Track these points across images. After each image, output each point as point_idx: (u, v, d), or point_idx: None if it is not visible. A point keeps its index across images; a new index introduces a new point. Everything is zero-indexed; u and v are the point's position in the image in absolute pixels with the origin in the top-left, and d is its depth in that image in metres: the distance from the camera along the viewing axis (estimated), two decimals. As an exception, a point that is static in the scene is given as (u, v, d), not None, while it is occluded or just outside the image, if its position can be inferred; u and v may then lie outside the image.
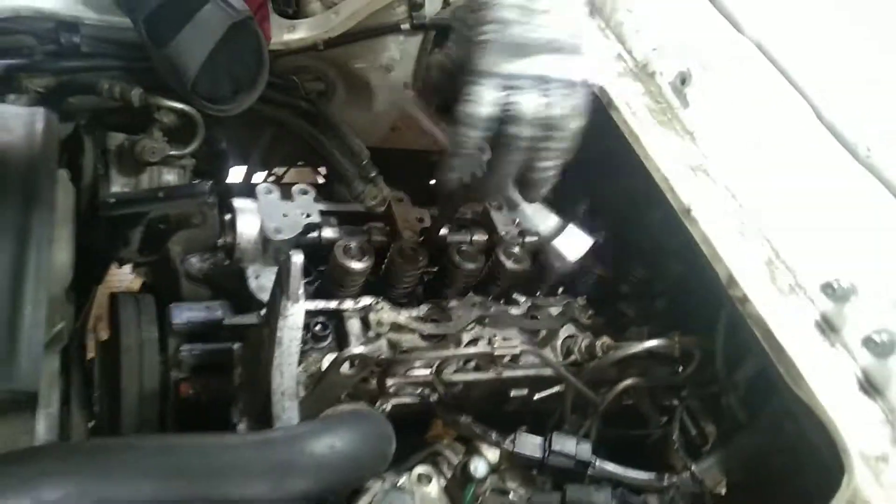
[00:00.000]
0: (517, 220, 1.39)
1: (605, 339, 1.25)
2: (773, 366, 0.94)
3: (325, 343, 1.16)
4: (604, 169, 1.35)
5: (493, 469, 1.07)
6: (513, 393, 1.25)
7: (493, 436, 1.09)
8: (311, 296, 1.17)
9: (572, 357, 1.27)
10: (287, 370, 0.96)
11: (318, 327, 1.15)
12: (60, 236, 1.08)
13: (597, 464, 1.07)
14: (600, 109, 1.24)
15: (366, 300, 1.20)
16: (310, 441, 0.82)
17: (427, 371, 1.16)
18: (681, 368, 1.23)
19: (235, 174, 1.86)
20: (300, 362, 1.05)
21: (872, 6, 1.21)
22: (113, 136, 1.52)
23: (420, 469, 1.03)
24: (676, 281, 1.36)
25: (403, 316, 1.20)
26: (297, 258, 0.94)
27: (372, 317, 1.17)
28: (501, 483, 1.08)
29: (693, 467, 1.08)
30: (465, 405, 1.18)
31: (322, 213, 1.28)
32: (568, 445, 1.05)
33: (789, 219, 1.04)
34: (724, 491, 1.13)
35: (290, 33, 1.57)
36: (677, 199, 1.09)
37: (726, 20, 1.22)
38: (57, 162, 1.08)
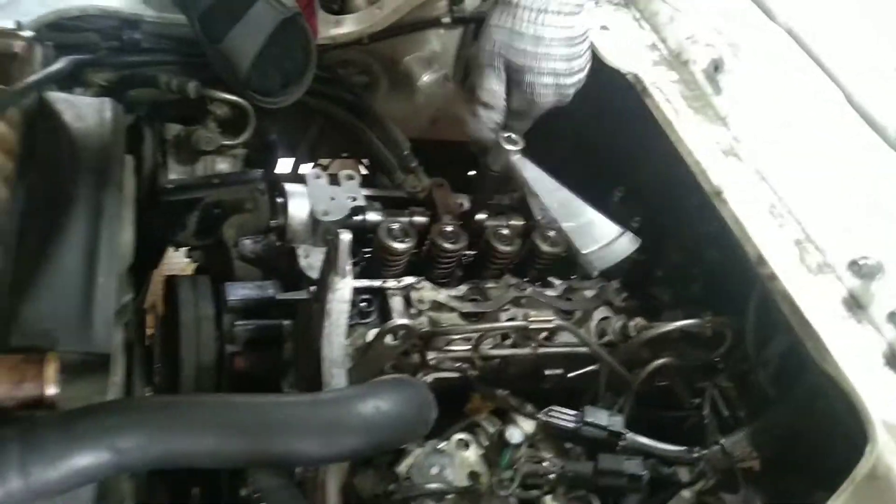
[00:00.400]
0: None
1: (639, 320, 1.29)
2: (800, 342, 0.97)
3: (369, 319, 1.22)
4: (638, 155, 1.39)
5: (529, 439, 1.11)
6: (548, 371, 1.30)
7: (529, 408, 1.14)
8: (356, 275, 1.23)
9: (606, 338, 1.31)
10: (336, 340, 1.02)
11: (363, 304, 1.22)
12: (125, 218, 1.17)
13: (629, 436, 1.10)
14: (634, 97, 1.28)
15: (408, 279, 1.26)
16: (358, 402, 0.89)
17: (466, 346, 1.21)
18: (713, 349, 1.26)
19: (283, 166, 1.94)
20: (347, 336, 1.12)
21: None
22: (170, 126, 1.61)
23: (459, 436, 1.09)
24: (710, 265, 1.38)
25: (443, 295, 1.26)
26: (346, 236, 1.00)
27: (414, 295, 1.24)
28: (536, 453, 1.13)
29: (723, 441, 1.12)
30: (501, 382, 1.23)
31: (367, 197, 1.35)
32: (601, 417, 1.09)
33: (819, 200, 1.07)
34: (756, 466, 1.16)
35: (337, 28, 1.63)
36: (709, 183, 1.12)
37: (758, 8, 1.25)
38: (124, 148, 1.16)
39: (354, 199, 1.31)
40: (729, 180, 1.10)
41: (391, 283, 1.26)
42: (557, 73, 1.16)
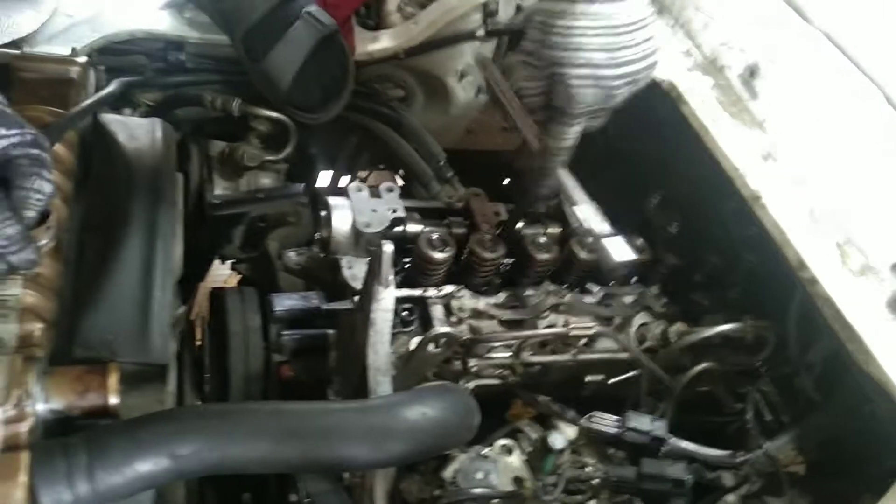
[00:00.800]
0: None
1: (679, 325, 1.30)
2: (843, 345, 0.97)
3: (411, 327, 1.25)
4: (675, 162, 1.39)
5: (571, 445, 1.13)
6: (588, 378, 1.31)
7: (571, 413, 1.15)
8: (397, 284, 1.26)
9: (646, 343, 1.32)
10: (380, 348, 1.05)
11: (404, 313, 1.24)
12: (176, 233, 1.21)
13: (671, 440, 1.11)
14: (670, 103, 1.29)
15: (448, 288, 1.28)
16: (404, 408, 0.91)
17: (506, 354, 1.23)
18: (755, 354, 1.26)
19: (322, 179, 1.98)
20: (390, 345, 1.14)
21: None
22: (214, 143, 1.67)
23: (503, 441, 1.11)
24: (749, 270, 1.38)
25: (483, 303, 1.28)
26: (388, 247, 1.03)
27: (454, 303, 1.26)
28: (578, 458, 1.14)
29: (766, 445, 1.11)
30: (541, 389, 1.25)
31: (406, 208, 1.38)
32: (643, 422, 1.10)
33: (860, 203, 1.06)
34: (801, 471, 1.15)
35: (373, 44, 1.67)
36: (747, 187, 1.13)
37: (793, 11, 1.25)
38: (175, 165, 1.21)
39: (395, 211, 1.34)
40: (767, 185, 1.11)
41: (431, 292, 1.28)
42: (594, 63, 1.07)
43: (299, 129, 1.64)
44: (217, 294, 1.45)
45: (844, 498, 1.08)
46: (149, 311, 0.99)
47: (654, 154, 1.31)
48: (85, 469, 0.77)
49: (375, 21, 1.77)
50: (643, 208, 1.48)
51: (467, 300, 1.27)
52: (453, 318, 1.26)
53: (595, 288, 1.40)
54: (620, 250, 1.16)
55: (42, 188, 0.86)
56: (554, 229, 1.43)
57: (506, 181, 1.97)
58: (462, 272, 1.33)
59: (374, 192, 1.37)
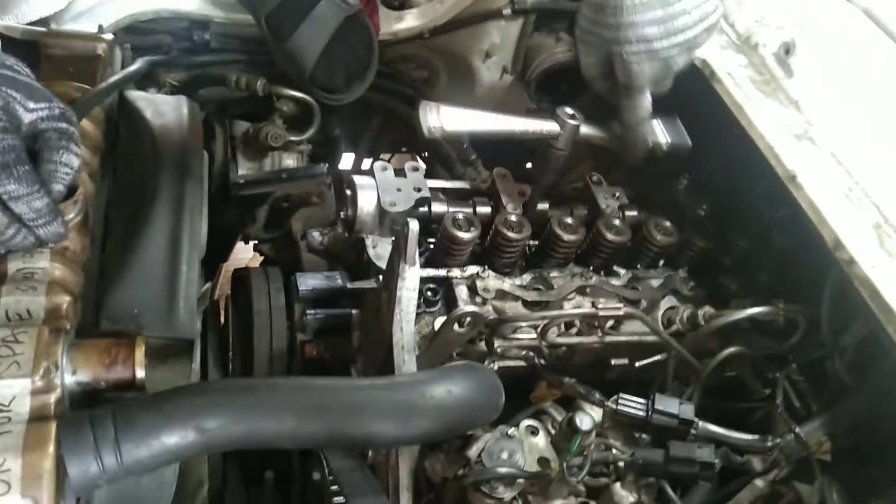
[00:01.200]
0: (616, 194, 1.43)
1: (708, 309, 1.27)
2: (881, 327, 0.95)
3: (435, 308, 1.24)
4: (705, 142, 1.37)
5: (597, 426, 1.11)
6: (614, 361, 1.29)
7: (596, 396, 1.14)
8: (422, 265, 1.25)
9: (674, 327, 1.30)
10: (406, 327, 1.04)
11: (429, 293, 1.23)
12: (202, 209, 1.21)
13: (699, 424, 1.09)
14: (703, 82, 1.26)
15: (472, 269, 1.27)
16: (430, 385, 0.90)
17: (532, 335, 1.22)
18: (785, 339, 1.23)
19: (345, 161, 1.98)
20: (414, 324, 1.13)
21: None
22: (238, 123, 1.67)
23: (528, 422, 1.10)
24: (780, 253, 1.35)
25: (507, 284, 1.27)
26: (414, 225, 1.02)
27: (478, 283, 1.25)
28: (604, 440, 1.13)
29: (797, 429, 1.09)
30: (566, 371, 1.23)
31: (431, 189, 1.37)
32: (671, 405, 1.08)
33: (899, 183, 1.04)
34: (829, 457, 1.13)
35: (398, 23, 1.66)
36: (782, 167, 1.10)
37: (831, -13, 1.22)
38: (202, 142, 1.20)
39: (420, 190, 1.33)
40: (803, 164, 1.08)
41: (456, 273, 1.27)
42: (648, 38, 1.10)
43: (323, 111, 1.64)
44: (241, 274, 1.45)
45: (877, 484, 1.05)
46: (175, 285, 0.99)
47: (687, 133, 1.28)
48: (112, 441, 0.77)
49: (400, 0, 1.76)
50: (672, 189, 1.45)
51: (492, 281, 1.26)
52: (478, 299, 1.24)
53: (622, 271, 1.38)
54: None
55: (70, 162, 0.86)
56: (581, 210, 1.41)
57: (529, 164, 1.96)
58: (486, 253, 1.32)
59: (399, 172, 1.36)
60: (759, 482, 1.10)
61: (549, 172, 1.33)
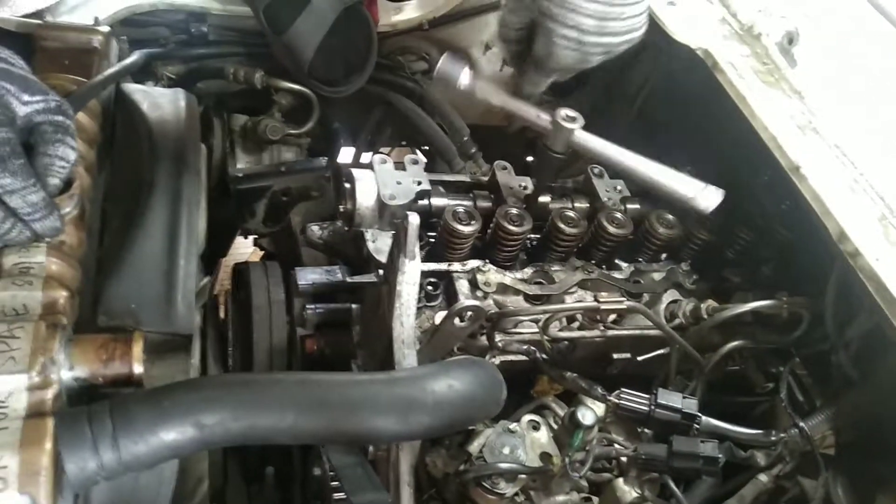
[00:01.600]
0: (618, 187, 1.42)
1: (711, 302, 1.26)
2: (887, 320, 0.94)
3: (436, 302, 1.23)
4: (707, 134, 1.36)
5: (599, 421, 1.10)
6: (616, 355, 1.28)
7: (598, 390, 1.13)
8: (422, 258, 1.24)
9: (676, 320, 1.29)
10: (406, 321, 1.03)
11: (429, 287, 1.23)
12: (200, 202, 1.20)
13: (703, 419, 1.08)
14: (705, 73, 1.25)
15: (473, 263, 1.26)
16: (430, 380, 0.89)
17: (533, 329, 1.21)
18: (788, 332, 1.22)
19: (344, 156, 1.97)
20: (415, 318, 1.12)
21: None
22: (236, 117, 1.66)
23: (529, 417, 1.09)
24: (783, 246, 1.34)
25: (509, 277, 1.26)
26: (414, 219, 1.01)
27: (479, 277, 1.24)
28: (607, 435, 1.12)
29: (802, 423, 1.08)
30: (568, 366, 1.22)
31: (431, 182, 1.36)
32: (674, 399, 1.07)
33: (904, 174, 1.02)
34: (831, 451, 1.13)
35: (397, 15, 1.64)
36: (786, 158, 1.09)
37: (836, -23, 1.20)
38: (199, 135, 1.19)
39: (420, 183, 1.32)
40: (807, 155, 1.07)
41: (456, 266, 1.26)
42: (582, 28, 1.09)
43: (321, 103, 1.63)
44: (241, 268, 1.44)
45: (883, 479, 1.05)
46: (173, 280, 0.98)
47: (685, 125, 1.27)
48: (110, 437, 0.76)
49: (399, -9, 1.74)
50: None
51: (493, 275, 1.25)
52: (479, 293, 1.23)
53: (624, 264, 1.37)
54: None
55: (66, 155, 0.85)
56: (582, 203, 1.40)
57: (529, 158, 1.94)
58: (487, 247, 1.31)
59: (399, 165, 1.35)
60: (762, 477, 1.10)
61: (547, 174, 1.31)
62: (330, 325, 1.28)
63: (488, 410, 0.96)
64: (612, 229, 1.31)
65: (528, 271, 1.30)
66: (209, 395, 0.83)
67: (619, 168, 1.25)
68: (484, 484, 0.99)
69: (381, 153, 2.17)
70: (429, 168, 1.51)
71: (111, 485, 0.83)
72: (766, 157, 1.13)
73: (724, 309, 1.22)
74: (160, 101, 1.17)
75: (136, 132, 1.12)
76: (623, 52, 1.14)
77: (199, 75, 1.60)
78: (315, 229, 1.38)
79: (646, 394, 1.11)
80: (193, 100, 1.25)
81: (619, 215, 1.34)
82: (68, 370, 0.82)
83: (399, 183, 1.30)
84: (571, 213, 1.32)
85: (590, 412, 1.02)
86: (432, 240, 1.32)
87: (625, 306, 1.14)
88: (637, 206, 1.40)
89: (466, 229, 1.23)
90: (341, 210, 1.29)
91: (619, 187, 1.44)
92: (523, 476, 1.01)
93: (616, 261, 1.38)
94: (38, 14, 1.27)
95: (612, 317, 1.25)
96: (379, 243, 1.25)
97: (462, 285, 1.24)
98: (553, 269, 1.32)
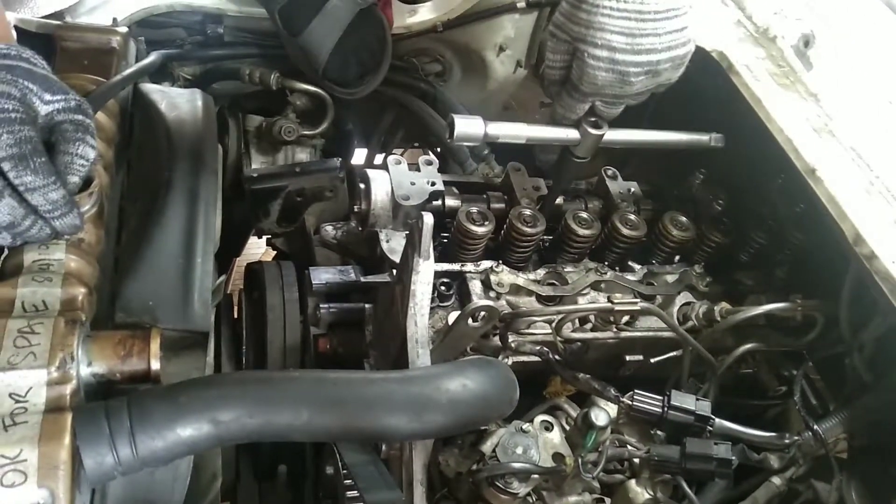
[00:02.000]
0: (632, 189, 1.42)
1: (724, 304, 1.26)
2: (902, 323, 0.94)
3: (449, 302, 1.24)
4: (724, 135, 1.35)
5: (612, 423, 1.10)
6: (629, 357, 1.28)
7: (612, 391, 1.13)
8: (436, 259, 1.24)
9: (690, 323, 1.29)
10: (420, 320, 1.03)
11: (442, 287, 1.23)
12: (217, 201, 1.20)
13: (716, 421, 1.08)
14: (720, 75, 1.24)
15: (486, 263, 1.27)
16: (444, 380, 0.89)
17: (546, 330, 1.21)
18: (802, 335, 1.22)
19: (357, 157, 1.98)
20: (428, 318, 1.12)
21: None
22: (251, 118, 1.67)
23: (542, 417, 1.09)
24: (797, 249, 1.34)
25: (522, 278, 1.26)
26: (428, 218, 1.01)
27: (492, 278, 1.24)
28: (620, 436, 1.12)
29: (816, 427, 1.08)
30: (580, 368, 1.22)
31: (445, 182, 1.36)
32: (687, 401, 1.07)
33: (921, 177, 1.02)
34: (844, 454, 1.12)
35: (412, 17, 1.65)
36: (801, 160, 1.09)
37: (852, -21, 1.20)
38: (216, 134, 1.20)
39: (433, 184, 1.33)
40: (822, 158, 1.07)
41: (469, 267, 1.26)
42: (612, 46, 1.06)
43: (336, 105, 1.63)
44: (255, 268, 1.45)
45: (897, 482, 1.04)
46: (190, 278, 0.99)
47: (701, 127, 1.26)
48: (127, 432, 0.76)
49: (413, -7, 1.75)
50: (688, 184, 1.43)
51: (506, 275, 1.25)
52: (492, 294, 1.24)
53: (637, 266, 1.37)
54: None
55: (86, 153, 0.86)
56: (595, 205, 1.40)
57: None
58: (500, 247, 1.31)
59: (413, 166, 1.36)
60: (776, 480, 1.10)
61: (567, 178, 1.31)
62: (343, 324, 1.29)
63: (502, 410, 0.96)
64: (625, 231, 1.31)
65: (540, 272, 1.31)
66: (226, 391, 0.84)
67: (636, 143, 1.25)
68: (497, 483, 0.99)
69: (395, 154, 2.19)
70: (441, 170, 1.52)
71: (127, 480, 0.83)
72: (781, 160, 1.13)
73: (737, 311, 1.22)
74: (177, 101, 1.18)
75: (154, 132, 1.13)
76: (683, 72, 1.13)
77: (215, 76, 1.61)
78: (329, 229, 1.39)
79: (659, 395, 1.11)
80: (210, 100, 1.26)
81: (632, 217, 1.34)
82: (86, 366, 0.83)
83: (413, 183, 1.31)
84: (585, 215, 1.32)
85: (603, 413, 1.02)
86: (445, 240, 1.33)
87: (638, 308, 1.14)
88: (650, 207, 1.40)
89: (480, 230, 1.23)
90: (355, 210, 1.29)
91: (632, 189, 1.44)
92: (536, 476, 1.01)
93: (629, 262, 1.38)
94: (57, 15, 1.29)
95: (625, 318, 1.25)
96: (393, 243, 1.25)
97: (475, 286, 1.25)
98: (566, 270, 1.32)
